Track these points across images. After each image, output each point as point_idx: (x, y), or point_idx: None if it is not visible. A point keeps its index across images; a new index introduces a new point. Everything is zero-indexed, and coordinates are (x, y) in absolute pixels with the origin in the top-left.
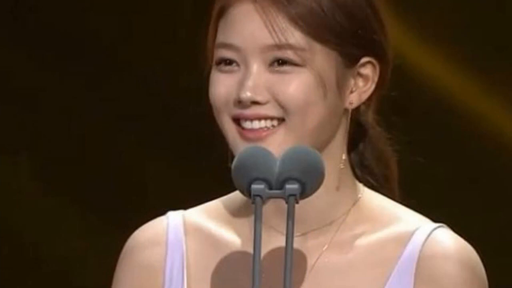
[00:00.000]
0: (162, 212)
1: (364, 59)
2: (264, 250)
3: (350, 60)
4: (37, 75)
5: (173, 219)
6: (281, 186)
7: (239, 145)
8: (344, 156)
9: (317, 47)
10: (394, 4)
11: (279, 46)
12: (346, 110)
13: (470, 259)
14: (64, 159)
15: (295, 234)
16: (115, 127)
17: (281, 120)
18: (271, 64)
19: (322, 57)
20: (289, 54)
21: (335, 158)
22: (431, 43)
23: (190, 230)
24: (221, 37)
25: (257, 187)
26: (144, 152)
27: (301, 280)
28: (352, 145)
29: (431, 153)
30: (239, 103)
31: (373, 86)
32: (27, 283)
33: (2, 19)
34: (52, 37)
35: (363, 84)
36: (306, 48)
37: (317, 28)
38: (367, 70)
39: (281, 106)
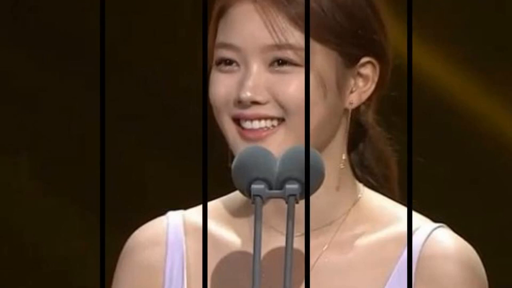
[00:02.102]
0: (162, 212)
1: (364, 59)
2: (264, 250)
3: (350, 60)
4: (37, 75)
5: (173, 219)
6: (281, 186)
7: (239, 145)
8: (344, 156)
9: (317, 47)
10: (394, 4)
11: (279, 46)
12: (346, 110)
13: (470, 259)
14: (64, 159)
15: (295, 234)
16: (115, 127)
17: (281, 120)
18: (271, 64)
19: (322, 57)
20: (289, 54)
21: (335, 158)
22: (431, 43)
23: (190, 230)
24: (221, 37)
25: (257, 187)
26: (144, 152)
27: (301, 280)
28: (352, 145)
29: (431, 153)
30: (239, 103)
31: (373, 86)
32: (27, 283)
33: (2, 19)
34: (52, 37)
35: (363, 84)
36: None
37: (317, 28)
38: (367, 70)
39: (281, 106)
